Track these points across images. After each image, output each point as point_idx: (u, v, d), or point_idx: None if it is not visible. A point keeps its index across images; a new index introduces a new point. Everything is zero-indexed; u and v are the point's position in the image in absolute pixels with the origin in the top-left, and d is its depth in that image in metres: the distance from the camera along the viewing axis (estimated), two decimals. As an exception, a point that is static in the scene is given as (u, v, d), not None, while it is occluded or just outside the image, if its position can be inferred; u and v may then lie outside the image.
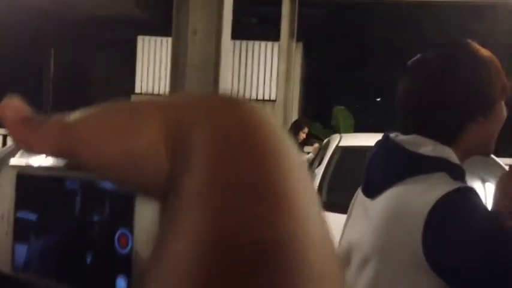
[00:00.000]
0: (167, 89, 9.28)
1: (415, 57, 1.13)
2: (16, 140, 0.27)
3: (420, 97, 1.09)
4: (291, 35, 7.26)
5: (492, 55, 1.10)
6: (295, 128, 5.93)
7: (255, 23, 11.09)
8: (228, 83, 2.25)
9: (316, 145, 5.51)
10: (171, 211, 0.22)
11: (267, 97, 8.36)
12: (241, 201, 0.21)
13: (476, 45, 1.10)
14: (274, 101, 7.62)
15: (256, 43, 8.43)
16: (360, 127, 7.91)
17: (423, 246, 0.95)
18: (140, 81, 8.70)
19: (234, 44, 8.46)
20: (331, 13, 11.47)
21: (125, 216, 0.26)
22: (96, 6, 9.82)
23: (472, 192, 1.01)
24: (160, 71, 8.96)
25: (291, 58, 7.31)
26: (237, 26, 9.10)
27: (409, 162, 1.05)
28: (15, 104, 0.28)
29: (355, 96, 13.48)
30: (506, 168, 4.23)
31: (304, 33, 8.72)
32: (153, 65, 8.99)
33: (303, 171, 0.24)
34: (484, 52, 1.09)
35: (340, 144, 4.25)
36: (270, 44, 8.26)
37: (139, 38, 8.71)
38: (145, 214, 0.25)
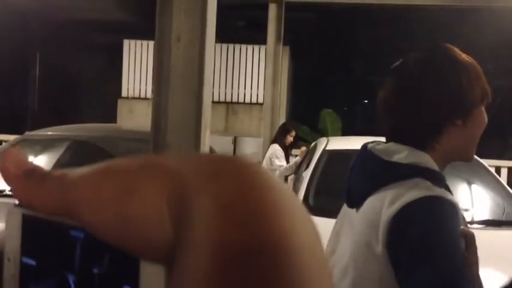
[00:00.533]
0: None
1: (396, 63, 1.13)
2: (17, 196, 0.27)
3: (397, 102, 1.09)
4: (277, 39, 7.27)
5: (473, 60, 1.10)
6: (283, 131, 5.94)
7: (243, 26, 11.11)
8: (211, 88, 2.24)
9: (304, 148, 5.51)
10: None
11: (254, 100, 8.37)
12: None
13: (456, 50, 1.10)
14: (261, 104, 7.62)
15: (244, 46, 8.44)
16: (348, 130, 7.95)
17: (388, 255, 0.96)
18: (127, 85, 8.65)
19: (221, 48, 8.48)
20: (318, 17, 11.53)
21: (129, 273, 0.25)
22: (82, 9, 9.75)
23: (439, 201, 0.98)
24: (147, 75, 8.92)
25: (278, 61, 7.31)
26: (224, 29, 9.06)
27: (383, 171, 1.06)
28: (16, 156, 0.27)
29: (343, 99, 13.56)
30: (492, 170, 4.27)
31: (291, 36, 8.75)
32: (139, 68, 8.95)
33: (309, 229, 0.24)
34: (464, 57, 1.09)
35: (327, 148, 4.26)
36: (257, 47, 8.27)
37: (126, 42, 8.65)
38: (152, 272, 0.24)
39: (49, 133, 4.44)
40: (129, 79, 8.65)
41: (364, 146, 1.13)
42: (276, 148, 5.76)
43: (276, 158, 5.67)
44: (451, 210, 0.98)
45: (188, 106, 2.16)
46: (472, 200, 3.79)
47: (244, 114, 8.23)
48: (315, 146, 4.70)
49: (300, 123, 8.24)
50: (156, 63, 2.14)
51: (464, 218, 1.15)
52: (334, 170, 4.18)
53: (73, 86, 11.57)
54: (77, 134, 4.43)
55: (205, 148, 2.25)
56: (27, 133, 4.45)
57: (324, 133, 7.85)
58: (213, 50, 2.27)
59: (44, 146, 4.23)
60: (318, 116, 8.44)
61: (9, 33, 9.83)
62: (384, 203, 0.99)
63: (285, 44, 7.75)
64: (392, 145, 1.09)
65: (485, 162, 4.17)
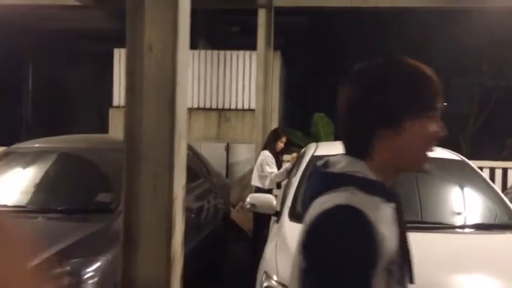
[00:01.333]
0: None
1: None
2: None
3: (340, 114, 1.18)
4: (267, 44, 7.23)
5: (418, 71, 1.14)
6: (273, 138, 5.88)
7: (234, 32, 11.09)
8: (186, 97, 2.18)
9: (294, 154, 5.46)
10: None
11: (246, 106, 8.32)
12: None
13: (399, 62, 1.16)
14: (254, 110, 7.58)
15: (235, 53, 8.39)
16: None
17: (300, 261, 1.05)
18: (118, 94, 8.60)
19: (212, 54, 8.44)
20: (309, 21, 11.51)
21: None
22: (72, 19, 9.72)
23: (359, 216, 1.02)
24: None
25: (269, 67, 7.28)
26: (215, 36, 8.98)
27: (322, 182, 1.14)
28: None
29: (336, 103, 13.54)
30: (487, 171, 4.21)
31: (282, 41, 8.71)
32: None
33: None
34: (409, 69, 1.14)
35: (316, 154, 4.20)
36: (248, 53, 8.23)
37: (116, 50, 8.59)
38: None
39: (36, 145, 4.38)
40: (121, 88, 8.61)
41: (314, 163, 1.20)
42: (266, 155, 5.71)
43: (267, 164, 5.61)
44: (364, 226, 1.02)
45: (162, 116, 2.10)
46: (465, 204, 3.73)
47: (237, 121, 8.19)
48: (304, 152, 4.65)
49: (293, 129, 8.19)
50: (128, 72, 2.09)
51: (403, 223, 1.15)
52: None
53: (65, 96, 11.52)
54: (64, 146, 4.37)
55: (180, 158, 2.20)
56: (13, 146, 4.39)
57: (317, 137, 7.80)
58: (187, 59, 2.22)
59: (30, 159, 4.17)
60: (311, 120, 8.40)
61: (0, 45, 9.80)
62: (310, 213, 1.08)
63: (275, 49, 7.72)
64: (338, 156, 1.16)
65: (480, 163, 4.12)
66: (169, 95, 2.09)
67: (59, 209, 3.48)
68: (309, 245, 1.06)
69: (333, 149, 4.65)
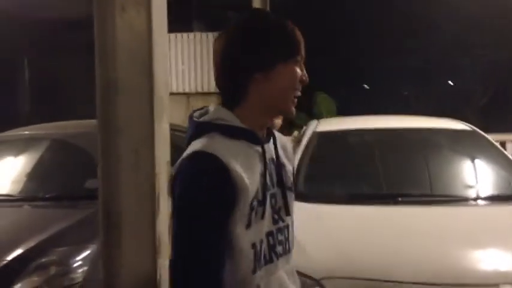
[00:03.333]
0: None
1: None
2: None
3: (215, 69, 1.30)
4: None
5: (282, 22, 1.28)
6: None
7: (231, 14, 10.79)
8: (165, 64, 1.96)
9: (296, 133, 5.23)
10: None
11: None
12: None
13: (265, 14, 1.32)
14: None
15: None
16: (345, 113, 7.65)
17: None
18: None
19: (208, 36, 8.17)
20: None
21: None
22: (63, 7, 9.50)
23: (210, 160, 1.17)
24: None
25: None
26: (213, 18, 8.71)
27: (192, 130, 1.32)
28: None
29: (338, 82, 13.23)
30: (497, 144, 3.96)
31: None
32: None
33: None
34: (271, 19, 1.28)
35: (317, 130, 3.98)
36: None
37: None
38: None
39: (23, 133, 4.20)
40: None
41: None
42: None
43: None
44: (215, 171, 1.17)
45: (138, 84, 1.88)
46: (477, 175, 3.50)
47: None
48: (306, 130, 4.43)
49: (297, 110, 7.93)
50: (98, 36, 1.86)
51: (268, 163, 1.28)
52: (325, 152, 3.91)
53: (62, 87, 11.33)
54: (52, 132, 4.18)
55: (162, 131, 1.98)
56: (2, 134, 4.20)
57: (320, 118, 7.55)
58: (164, 21, 1.99)
59: (18, 146, 3.98)
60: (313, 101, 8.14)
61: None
62: None
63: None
64: (212, 107, 1.31)
65: (490, 137, 3.87)
66: (146, 60, 1.86)
67: (46, 196, 3.29)
68: (173, 191, 1.30)
69: (336, 124, 4.46)
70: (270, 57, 1.25)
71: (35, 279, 2.61)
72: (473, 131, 3.81)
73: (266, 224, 1.26)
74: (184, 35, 8.10)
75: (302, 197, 3.23)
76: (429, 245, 2.51)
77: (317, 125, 4.13)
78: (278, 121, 4.84)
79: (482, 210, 3.08)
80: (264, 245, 1.25)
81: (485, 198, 3.18)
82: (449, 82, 21.88)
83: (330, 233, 2.72)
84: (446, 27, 13.03)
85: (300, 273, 2.43)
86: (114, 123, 1.98)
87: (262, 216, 1.25)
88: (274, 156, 1.35)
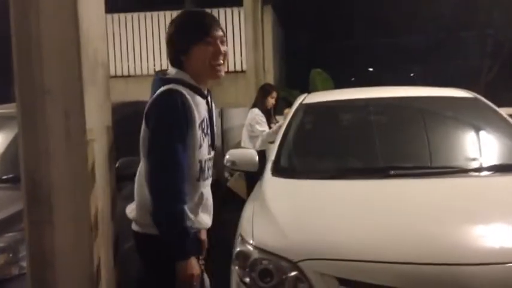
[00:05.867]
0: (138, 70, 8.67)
1: None
2: None
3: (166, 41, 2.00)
4: (254, -2, 6.62)
5: (196, 12, 2.05)
6: (263, 94, 5.33)
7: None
8: (97, 4, 1.64)
9: (287, 110, 4.90)
10: None
11: (238, 68, 7.71)
12: None
13: (188, 12, 2.15)
14: (245, 71, 6.98)
15: (221, 10, 7.73)
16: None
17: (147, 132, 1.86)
18: (114, 63, 8.08)
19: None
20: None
21: None
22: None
23: (177, 93, 1.84)
24: (114, 51, 8.34)
25: (257, 22, 6.68)
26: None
27: (160, 83, 1.89)
28: None
29: (338, 63, 12.82)
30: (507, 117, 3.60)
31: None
32: (117, 43, 8.35)
33: None
34: (189, 12, 2.15)
35: (304, 102, 3.65)
36: (236, 10, 7.58)
37: (108, 17, 8.05)
38: None
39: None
40: (115, 57, 8.11)
41: (156, 73, 1.97)
42: (255, 113, 5.17)
43: (257, 123, 5.08)
44: (181, 98, 1.83)
45: (62, 31, 1.57)
46: (480, 144, 3.17)
47: (229, 84, 7.61)
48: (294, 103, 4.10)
49: (290, 88, 7.60)
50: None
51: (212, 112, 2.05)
52: (312, 125, 3.59)
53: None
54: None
55: (97, 89, 1.68)
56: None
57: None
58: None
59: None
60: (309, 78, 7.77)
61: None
62: None
63: (265, 3, 7.08)
64: (171, 69, 1.96)
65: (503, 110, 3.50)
66: (70, 2, 1.55)
67: (2, 178, 3.00)
68: (147, 115, 1.80)
69: (326, 96, 4.12)
70: (186, 43, 1.90)
71: (-18, 268, 2.33)
72: (476, 98, 3.47)
73: (206, 153, 1.96)
74: (167, 13, 7.76)
75: (285, 173, 2.92)
76: (425, 221, 2.19)
77: (305, 97, 3.81)
78: (271, 100, 4.50)
79: (485, 181, 2.74)
80: (205, 166, 1.95)
81: (488, 169, 2.84)
82: (454, 61, 21.39)
83: (312, 210, 2.40)
84: (450, 5, 12.59)
85: (275, 256, 2.16)
86: (40, 83, 1.68)
87: (205, 144, 1.94)
88: (210, 107, 2.02)
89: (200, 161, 1.92)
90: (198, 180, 1.93)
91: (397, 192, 2.54)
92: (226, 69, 2.03)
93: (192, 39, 1.89)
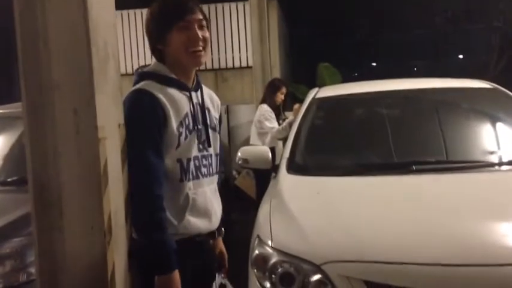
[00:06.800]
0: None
1: None
2: None
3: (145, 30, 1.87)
4: (260, -8, 6.49)
5: (163, 2, 1.81)
6: (272, 89, 5.22)
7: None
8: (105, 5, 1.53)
9: (297, 105, 4.79)
10: None
11: (244, 64, 7.59)
12: None
13: (158, 2, 1.82)
14: (251, 67, 6.86)
15: (226, 5, 7.61)
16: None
17: None
18: (124, 61, 7.98)
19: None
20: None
21: None
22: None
23: (142, 92, 1.71)
24: (125, 49, 8.24)
25: (263, 16, 6.55)
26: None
27: (136, 78, 1.81)
28: None
29: (346, 57, 12.67)
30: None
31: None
32: (126, 41, 8.25)
33: None
34: (157, 2, 1.81)
35: (317, 96, 3.54)
36: (241, 4, 7.45)
37: (118, 13, 7.95)
38: None
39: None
40: (126, 54, 7.99)
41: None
42: (265, 109, 5.06)
43: (266, 119, 4.97)
44: (148, 98, 1.69)
45: (73, 24, 1.46)
46: (499, 137, 3.04)
47: (235, 80, 7.49)
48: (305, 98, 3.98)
49: (297, 83, 7.48)
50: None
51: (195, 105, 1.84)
52: (326, 120, 3.47)
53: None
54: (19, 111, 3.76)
55: (108, 85, 1.56)
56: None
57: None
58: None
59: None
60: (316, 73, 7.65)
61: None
62: None
63: (271, -4, 6.95)
64: (153, 62, 1.85)
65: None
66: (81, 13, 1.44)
67: (8, 180, 2.90)
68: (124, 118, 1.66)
69: (338, 90, 4.00)
70: (160, 31, 1.77)
71: (-11, 274, 2.23)
72: (495, 89, 3.34)
73: (193, 150, 1.78)
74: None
75: (300, 170, 2.81)
76: (455, 220, 2.07)
77: (317, 91, 3.69)
78: (281, 96, 4.42)
79: (507, 175, 2.62)
80: (191, 164, 1.77)
81: (509, 163, 2.71)
82: (460, 56, 21.17)
83: (333, 209, 2.28)
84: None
85: (297, 258, 2.04)
86: (48, 77, 1.56)
87: (189, 141, 1.77)
88: (200, 102, 1.87)
89: (180, 160, 1.72)
90: (181, 180, 1.73)
91: (421, 189, 2.42)
92: (207, 56, 1.85)
93: (166, 26, 1.74)
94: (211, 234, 1.91)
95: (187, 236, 1.76)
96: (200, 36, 1.75)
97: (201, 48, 1.76)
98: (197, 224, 1.78)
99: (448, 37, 15.72)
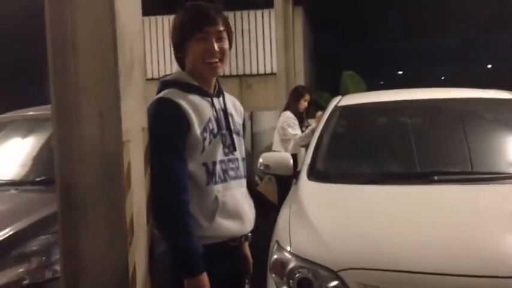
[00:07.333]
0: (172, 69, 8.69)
1: None
2: None
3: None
4: (285, -1, 6.51)
5: (185, 11, 1.87)
6: (295, 96, 5.24)
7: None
8: (132, 9, 1.58)
9: (320, 113, 4.80)
10: None
11: (268, 71, 7.63)
12: None
13: (192, 3, 1.87)
14: (275, 74, 6.89)
15: (252, 12, 7.67)
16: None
17: None
18: (151, 66, 8.13)
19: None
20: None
21: None
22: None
23: (165, 101, 1.76)
24: (151, 53, 8.37)
25: (288, 24, 6.58)
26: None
27: (160, 86, 1.87)
28: None
29: (370, 65, 12.59)
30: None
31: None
32: (153, 47, 8.38)
33: None
34: (180, 11, 1.88)
35: (340, 104, 3.54)
36: (267, 11, 7.50)
37: (146, 19, 8.13)
38: None
39: (30, 113, 3.92)
40: (152, 59, 8.12)
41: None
42: (288, 116, 5.08)
43: (289, 126, 4.99)
44: (171, 106, 1.74)
45: (99, 28, 1.51)
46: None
47: (259, 87, 7.53)
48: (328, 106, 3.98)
49: (321, 90, 7.47)
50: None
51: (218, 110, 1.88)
52: (348, 128, 3.47)
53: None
54: (47, 113, 3.86)
55: (134, 88, 1.61)
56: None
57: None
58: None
59: (14, 128, 3.70)
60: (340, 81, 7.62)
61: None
62: None
63: (296, 4, 6.98)
64: (175, 71, 1.95)
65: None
66: (106, 3, 1.50)
67: (36, 180, 2.99)
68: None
69: (361, 98, 3.99)
70: (180, 40, 1.84)
71: (17, 270, 2.31)
72: (521, 100, 3.29)
73: (219, 154, 1.81)
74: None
75: (321, 177, 2.82)
76: (476, 230, 2.05)
77: (340, 99, 3.69)
78: (304, 103, 4.45)
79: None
80: (218, 168, 1.80)
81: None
82: (488, 66, 20.77)
83: (353, 216, 2.29)
84: (483, 5, 12.23)
85: (315, 264, 2.05)
86: (75, 80, 1.62)
87: (214, 146, 1.80)
88: (222, 107, 1.90)
89: (205, 164, 1.75)
90: (208, 183, 1.75)
91: (443, 199, 2.40)
92: (224, 67, 1.89)
93: (185, 36, 1.80)
94: (245, 238, 1.93)
95: (221, 240, 1.79)
96: (217, 48, 1.80)
97: (217, 60, 1.81)
98: (228, 226, 1.79)
99: (477, 45, 15.46)
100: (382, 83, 18.37)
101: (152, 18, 8.53)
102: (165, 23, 8.37)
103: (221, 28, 1.82)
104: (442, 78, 20.55)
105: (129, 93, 1.59)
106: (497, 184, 2.57)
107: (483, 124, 3.24)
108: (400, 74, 23.96)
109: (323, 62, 10.70)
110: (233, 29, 7.09)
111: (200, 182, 1.75)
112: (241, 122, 2.00)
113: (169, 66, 8.15)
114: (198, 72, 1.83)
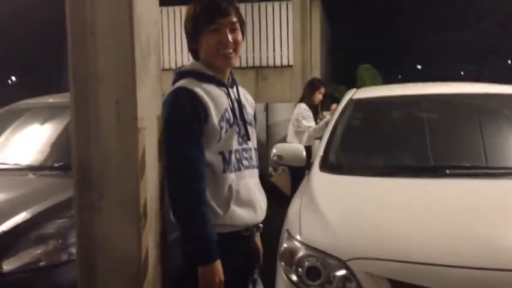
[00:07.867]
0: (184, 61, 8.74)
1: None
2: None
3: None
4: (303, -9, 6.51)
5: (196, 4, 1.88)
6: (310, 88, 5.25)
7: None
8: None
9: (334, 105, 4.80)
10: None
11: (285, 63, 7.63)
12: None
13: (195, 4, 1.88)
14: (291, 66, 6.88)
15: (270, 4, 7.66)
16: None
17: None
18: (168, 56, 8.21)
19: (246, 8, 7.78)
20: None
21: None
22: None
23: (184, 90, 1.77)
24: (169, 44, 8.42)
25: (306, 16, 6.57)
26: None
27: (176, 76, 1.89)
28: None
29: (387, 59, 12.48)
30: None
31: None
32: (170, 37, 8.43)
33: None
34: (196, 7, 1.87)
35: (354, 97, 3.55)
36: (284, 3, 7.49)
37: (164, 10, 8.20)
38: None
39: (50, 101, 3.99)
40: (170, 50, 8.18)
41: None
42: (302, 107, 5.09)
43: (303, 118, 5.00)
44: (189, 95, 1.75)
45: (118, 16, 1.56)
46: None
47: (275, 79, 7.54)
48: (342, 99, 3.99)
49: (336, 83, 7.46)
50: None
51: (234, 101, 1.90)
52: (362, 121, 3.48)
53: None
54: (65, 101, 3.94)
55: (149, 77, 1.66)
56: (15, 103, 4.00)
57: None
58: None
59: (34, 114, 3.78)
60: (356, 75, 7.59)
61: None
62: None
63: (314, -4, 6.96)
64: (191, 61, 1.94)
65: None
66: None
67: (54, 165, 3.06)
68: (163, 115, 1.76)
69: (376, 91, 3.99)
70: (194, 32, 1.86)
71: (34, 252, 2.38)
72: (538, 95, 3.26)
73: (233, 143, 1.84)
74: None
75: (333, 168, 2.84)
76: (485, 224, 2.06)
77: (354, 92, 3.70)
78: (319, 95, 4.46)
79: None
80: (233, 157, 1.82)
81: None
82: (509, 61, 20.43)
83: (362, 208, 2.31)
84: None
85: (323, 253, 2.09)
86: (94, 68, 1.67)
87: (230, 135, 1.83)
88: (237, 97, 1.93)
89: (222, 152, 1.77)
90: (224, 171, 1.77)
91: (454, 193, 2.41)
92: (238, 57, 1.90)
93: (199, 27, 1.81)
94: (256, 228, 1.95)
95: (236, 229, 1.81)
96: (230, 39, 1.81)
97: (231, 50, 1.82)
98: (242, 214, 1.81)
99: (498, 41, 15.21)
100: (400, 76, 18.21)
101: (170, 8, 8.58)
102: (182, 13, 8.42)
103: (234, 19, 1.83)
104: (462, 73, 20.30)
105: (145, 81, 1.64)
106: (507, 179, 2.56)
107: (499, 119, 3.22)
108: (419, 69, 23.68)
109: (340, 55, 10.66)
110: (250, 21, 7.23)
111: (217, 170, 1.76)
112: (253, 114, 2.04)
113: (184, 57, 8.22)
114: (213, 63, 1.84)
